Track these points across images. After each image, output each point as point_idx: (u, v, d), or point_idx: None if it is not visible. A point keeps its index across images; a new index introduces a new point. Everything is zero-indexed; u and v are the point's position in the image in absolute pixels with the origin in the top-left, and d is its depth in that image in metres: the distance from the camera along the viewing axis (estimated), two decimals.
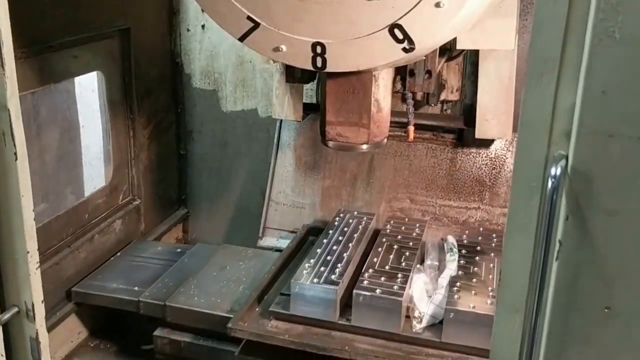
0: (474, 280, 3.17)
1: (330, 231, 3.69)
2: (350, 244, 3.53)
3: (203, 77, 4.74)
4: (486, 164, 3.94)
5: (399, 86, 3.31)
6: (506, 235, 1.54)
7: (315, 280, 3.14)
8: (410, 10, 2.49)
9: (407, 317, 3.10)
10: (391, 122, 3.17)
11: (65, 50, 3.58)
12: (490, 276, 3.22)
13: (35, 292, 2.08)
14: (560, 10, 1.34)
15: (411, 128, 3.36)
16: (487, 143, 3.88)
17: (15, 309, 2.09)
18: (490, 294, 3.04)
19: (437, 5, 2.45)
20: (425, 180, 4.04)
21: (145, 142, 4.45)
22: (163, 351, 3.60)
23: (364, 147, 3.05)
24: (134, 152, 4.33)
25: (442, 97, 3.89)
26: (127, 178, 4.35)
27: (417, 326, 3.05)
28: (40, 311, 2.12)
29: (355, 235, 3.65)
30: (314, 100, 4.25)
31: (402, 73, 3.25)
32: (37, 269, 2.09)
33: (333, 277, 3.17)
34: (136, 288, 3.76)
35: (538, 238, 1.45)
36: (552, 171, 1.39)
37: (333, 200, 4.19)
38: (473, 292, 3.07)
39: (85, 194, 4.48)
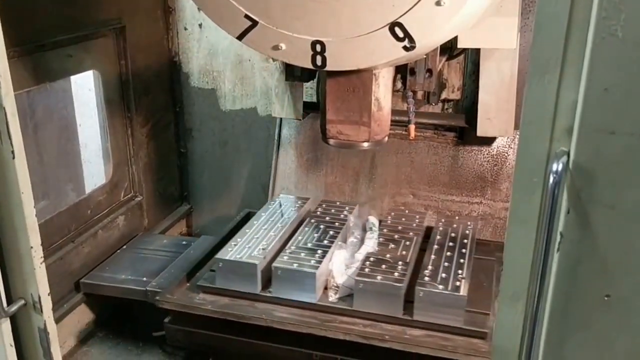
0: (388, 255, 3.40)
1: (263, 213, 3.91)
2: (279, 224, 3.77)
3: (201, 75, 4.72)
4: (488, 160, 3.93)
5: (399, 85, 3.30)
6: (508, 227, 1.58)
7: (238, 256, 3.37)
8: (411, 9, 2.48)
9: (326, 288, 3.35)
10: (392, 121, 3.16)
11: (60, 49, 3.57)
12: (404, 252, 3.44)
13: (41, 285, 2.14)
14: (563, 8, 1.35)
15: (412, 127, 3.35)
16: (488, 141, 3.88)
17: (22, 301, 2.15)
18: (399, 267, 3.28)
19: (438, 3, 2.44)
20: (427, 176, 4.05)
21: (144, 140, 4.45)
22: (175, 337, 3.68)
23: (365, 145, 3.05)
24: (133, 150, 4.34)
25: (443, 96, 3.89)
26: (128, 175, 4.37)
27: (333, 296, 3.31)
28: (47, 303, 2.17)
29: (287, 216, 3.89)
30: (314, 99, 4.24)
31: (403, 72, 3.24)
32: (41, 263, 2.13)
33: (256, 252, 3.41)
34: (144, 278, 3.83)
35: (539, 230, 1.50)
36: (554, 167, 1.42)
37: (336, 196, 4.20)
38: (383, 266, 3.28)
39: (86, 191, 4.49)
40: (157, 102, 4.56)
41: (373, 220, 3.79)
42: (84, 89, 4.52)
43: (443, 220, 3.83)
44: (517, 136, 1.44)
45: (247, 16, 2.70)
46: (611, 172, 1.41)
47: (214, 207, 5.04)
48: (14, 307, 2.11)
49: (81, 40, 3.72)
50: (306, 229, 3.71)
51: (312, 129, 4.21)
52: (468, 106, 3.92)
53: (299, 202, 4.07)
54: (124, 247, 4.24)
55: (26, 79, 3.37)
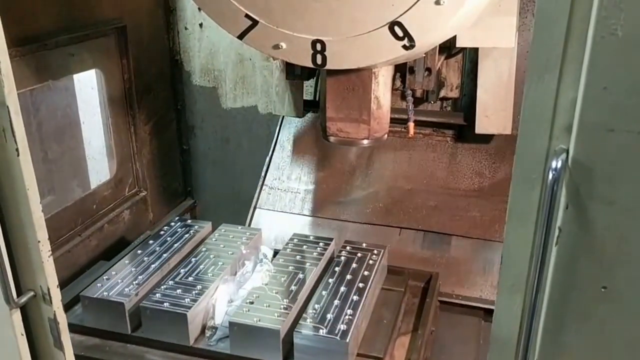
0: (275, 291, 3.09)
1: (151, 241, 3.61)
2: (165, 254, 3.46)
3: (203, 74, 4.76)
4: (486, 158, 3.94)
5: (398, 83, 3.32)
6: (507, 222, 1.59)
7: (105, 293, 3.10)
8: (410, 8, 2.50)
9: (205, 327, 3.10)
10: (391, 119, 3.19)
11: (62, 48, 3.59)
12: (295, 287, 3.13)
13: (49, 277, 2.15)
14: (563, 7, 1.36)
15: (411, 124, 3.38)
16: (487, 138, 3.89)
17: (32, 293, 2.16)
18: (283, 306, 2.97)
19: (437, 3, 2.46)
20: (424, 171, 4.05)
21: (147, 137, 4.49)
22: None
23: (365, 142, 3.07)
24: (137, 147, 4.38)
25: (442, 94, 3.91)
26: (132, 171, 4.42)
27: (211, 338, 3.03)
28: (56, 294, 2.18)
29: (176, 245, 3.57)
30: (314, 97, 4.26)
31: (402, 70, 3.27)
32: (49, 256, 2.14)
33: (127, 289, 3.13)
34: None
35: (538, 225, 1.51)
36: (553, 164, 1.44)
37: (330, 188, 4.19)
38: (266, 304, 2.98)
39: (91, 187, 4.53)
40: (159, 100, 4.59)
41: (265, 250, 3.51)
42: (87, 87, 4.54)
43: (348, 247, 3.50)
44: (516, 134, 1.47)
45: (247, 16, 2.72)
46: (609, 169, 1.42)
47: (218, 202, 5.09)
48: (23, 299, 2.13)
49: (83, 39, 3.74)
50: (194, 259, 3.38)
51: (311, 125, 4.24)
52: (466, 104, 3.94)
53: (196, 226, 3.78)
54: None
55: (29, 78, 3.39)
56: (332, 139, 3.09)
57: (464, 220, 3.85)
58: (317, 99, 4.16)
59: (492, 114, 3.60)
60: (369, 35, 2.60)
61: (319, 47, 2.68)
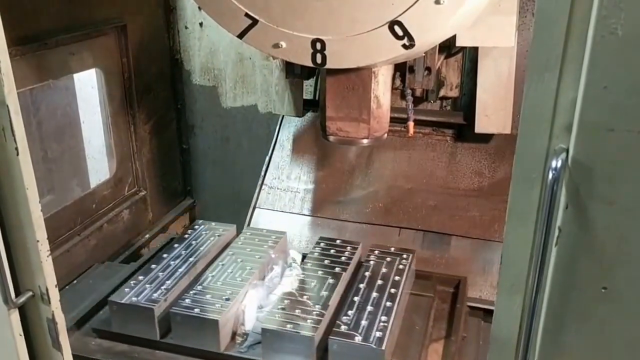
0: (305, 296, 3.03)
1: (176, 244, 3.56)
2: (191, 259, 3.42)
3: (203, 73, 4.76)
4: (485, 157, 3.94)
5: (398, 83, 3.32)
6: (507, 222, 1.59)
7: (134, 299, 3.04)
8: (410, 7, 2.50)
9: (236, 333, 3.04)
10: (391, 118, 3.18)
11: (62, 47, 3.59)
12: (326, 292, 3.08)
13: (48, 277, 2.14)
14: (563, 6, 1.36)
15: (411, 124, 3.38)
16: (486, 138, 3.89)
17: (30, 293, 2.16)
18: (315, 312, 2.91)
19: (437, 2, 2.46)
20: (424, 171, 4.04)
21: (147, 136, 4.50)
22: None
23: (365, 141, 3.07)
24: (136, 146, 4.39)
25: (442, 93, 3.90)
26: (131, 171, 4.42)
27: (241, 345, 2.98)
28: (54, 294, 2.18)
29: (201, 249, 3.52)
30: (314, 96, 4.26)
31: (402, 70, 3.26)
32: (48, 256, 2.14)
33: (156, 295, 3.08)
34: None
35: (538, 225, 1.51)
36: (553, 164, 1.43)
37: (330, 187, 4.18)
38: (298, 310, 2.93)
39: (91, 186, 4.53)
40: (159, 99, 4.60)
41: (294, 254, 3.47)
42: (87, 86, 4.55)
43: (376, 252, 3.48)
44: (516, 133, 1.46)
45: (247, 15, 2.72)
46: (609, 169, 1.42)
47: (217, 201, 5.09)
48: (22, 299, 2.13)
49: (83, 38, 3.75)
50: (221, 263, 3.34)
51: (311, 124, 4.24)
52: (466, 104, 3.94)
53: (221, 230, 3.73)
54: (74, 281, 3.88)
55: (29, 77, 3.40)
56: (331, 138, 3.09)
57: (463, 220, 3.85)
58: (316, 98, 4.16)
59: (492, 113, 3.59)
60: (368, 35, 2.60)
61: (318, 46, 2.68)
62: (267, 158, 4.32)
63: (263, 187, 4.26)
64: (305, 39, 2.69)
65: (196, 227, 3.77)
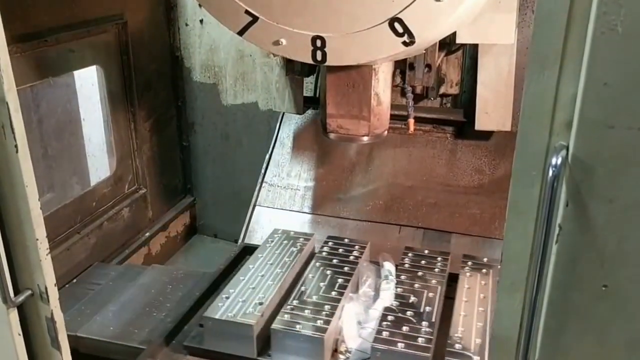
0: (409, 312, 2.91)
1: (260, 255, 3.42)
2: (278, 270, 3.27)
3: (203, 70, 4.76)
4: (486, 155, 3.94)
5: (398, 80, 3.32)
6: (507, 219, 1.58)
7: (230, 314, 2.90)
8: (410, 4, 2.50)
9: (336, 351, 2.89)
10: (391, 115, 3.18)
11: (62, 44, 3.60)
12: (428, 307, 2.97)
13: (47, 276, 2.14)
14: (563, 3, 1.36)
15: (411, 121, 3.37)
16: (486, 135, 3.89)
17: (29, 292, 2.16)
18: (424, 329, 2.80)
19: None
20: (424, 168, 4.03)
21: (147, 134, 4.50)
22: None
23: (365, 138, 3.07)
24: (137, 143, 4.39)
25: (442, 90, 3.90)
26: (132, 168, 4.42)
27: None
28: (53, 293, 2.18)
29: (287, 259, 3.38)
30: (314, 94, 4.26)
31: (402, 67, 3.27)
32: (47, 254, 2.14)
33: (251, 310, 2.93)
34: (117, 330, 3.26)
35: (538, 223, 1.50)
36: (553, 161, 1.42)
37: (330, 185, 4.18)
38: (405, 327, 2.80)
39: (91, 184, 4.54)
40: (159, 96, 4.60)
41: (389, 266, 3.29)
42: (88, 83, 4.55)
43: (470, 263, 3.38)
44: (516, 130, 1.46)
45: (247, 12, 2.72)
46: (610, 166, 1.41)
47: (218, 199, 5.09)
48: (20, 298, 2.13)
49: (84, 36, 3.75)
50: (310, 275, 3.22)
51: (311, 122, 4.24)
52: (466, 101, 3.93)
53: (301, 239, 3.60)
54: (74, 280, 3.79)
55: (29, 74, 3.40)
56: (332, 135, 3.09)
57: (463, 217, 3.85)
58: (317, 95, 4.16)
59: (492, 110, 3.59)
60: (369, 32, 2.60)
61: (319, 43, 2.68)
62: (268, 155, 4.32)
63: (263, 184, 4.26)
64: (305, 36, 2.69)
65: (275, 235, 3.65)
